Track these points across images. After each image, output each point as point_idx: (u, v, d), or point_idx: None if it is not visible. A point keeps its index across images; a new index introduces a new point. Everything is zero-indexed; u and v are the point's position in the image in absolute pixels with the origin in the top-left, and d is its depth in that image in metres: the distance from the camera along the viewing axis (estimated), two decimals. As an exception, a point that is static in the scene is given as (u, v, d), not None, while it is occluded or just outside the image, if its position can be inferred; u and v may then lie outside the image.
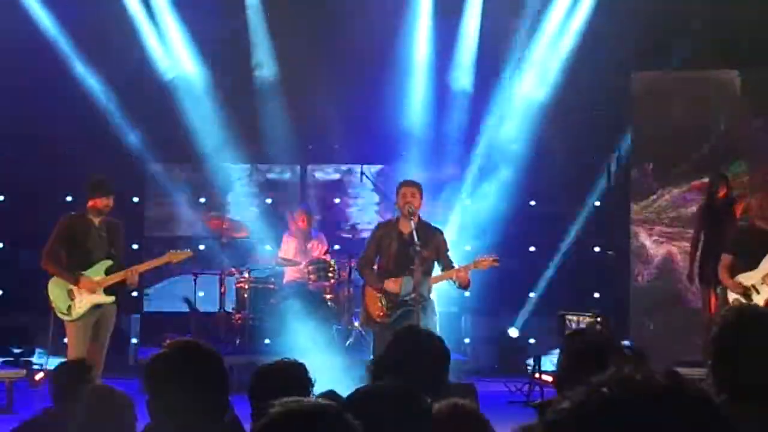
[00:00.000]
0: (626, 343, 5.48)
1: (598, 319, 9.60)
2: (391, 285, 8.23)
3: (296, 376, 4.14)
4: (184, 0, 12.35)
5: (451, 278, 8.21)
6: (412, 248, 7.94)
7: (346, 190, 12.52)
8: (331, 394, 4.00)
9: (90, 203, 8.43)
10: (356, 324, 10.70)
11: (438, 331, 8.18)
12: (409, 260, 8.03)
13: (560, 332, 9.76)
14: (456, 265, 8.22)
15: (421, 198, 8.24)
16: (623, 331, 11.56)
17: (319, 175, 12.86)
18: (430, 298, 8.23)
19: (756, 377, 3.00)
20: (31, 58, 11.82)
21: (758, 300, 8.49)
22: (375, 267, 8.47)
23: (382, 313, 8.25)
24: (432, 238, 8.21)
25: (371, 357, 8.22)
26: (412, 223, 8.07)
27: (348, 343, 10.86)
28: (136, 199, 12.57)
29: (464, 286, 8.27)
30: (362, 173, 12.34)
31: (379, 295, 8.29)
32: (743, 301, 8.53)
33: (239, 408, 3.89)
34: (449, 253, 8.31)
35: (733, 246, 9.05)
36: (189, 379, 3.21)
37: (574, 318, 9.92)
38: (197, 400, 3.19)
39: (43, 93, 11.81)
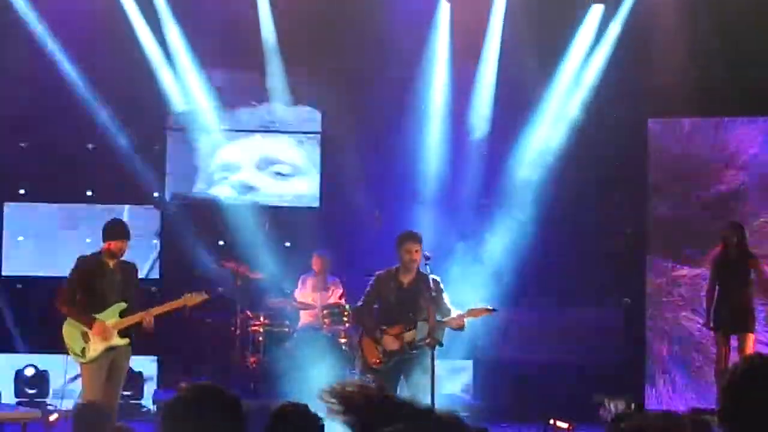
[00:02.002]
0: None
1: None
2: (389, 340, 8.50)
3: (305, 420, 4.12)
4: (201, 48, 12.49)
5: (450, 326, 8.49)
6: (428, 295, 8.30)
7: (363, 234, 12.46)
8: None
9: (105, 245, 8.47)
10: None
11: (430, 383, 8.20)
12: (407, 310, 8.46)
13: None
14: (453, 311, 8.47)
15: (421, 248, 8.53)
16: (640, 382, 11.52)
17: (337, 218, 12.79)
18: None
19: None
20: (51, 97, 11.97)
21: None
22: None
23: (378, 360, 8.53)
24: (434, 288, 8.43)
25: None
26: (413, 274, 8.49)
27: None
28: (155, 241, 12.60)
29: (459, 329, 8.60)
30: (378, 218, 12.34)
31: (375, 342, 8.55)
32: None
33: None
34: (446, 300, 8.57)
35: None
36: (206, 423, 3.20)
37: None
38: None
39: (62, 126, 11.97)
